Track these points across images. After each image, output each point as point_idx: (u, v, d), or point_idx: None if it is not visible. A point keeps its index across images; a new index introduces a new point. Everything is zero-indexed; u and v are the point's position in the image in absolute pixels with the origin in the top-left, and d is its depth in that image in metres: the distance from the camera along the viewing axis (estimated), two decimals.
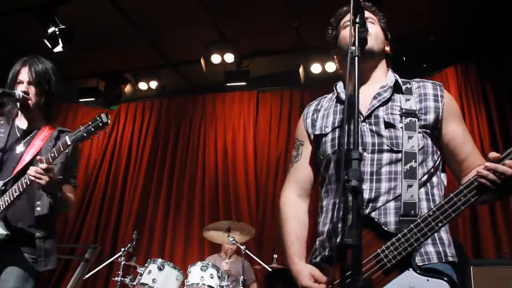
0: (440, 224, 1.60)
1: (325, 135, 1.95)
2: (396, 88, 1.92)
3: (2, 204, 2.50)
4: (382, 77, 1.99)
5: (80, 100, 6.91)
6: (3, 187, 2.57)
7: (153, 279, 4.58)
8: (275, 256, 5.15)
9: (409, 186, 1.74)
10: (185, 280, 4.77)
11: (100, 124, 2.29)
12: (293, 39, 5.97)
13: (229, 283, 4.86)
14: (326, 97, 2.12)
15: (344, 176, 1.44)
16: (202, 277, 4.66)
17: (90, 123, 2.32)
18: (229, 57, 5.96)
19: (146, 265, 4.77)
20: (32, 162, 2.65)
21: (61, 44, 5.06)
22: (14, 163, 2.70)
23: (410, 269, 1.62)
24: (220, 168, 6.76)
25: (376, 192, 1.77)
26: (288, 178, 2.13)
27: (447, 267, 1.75)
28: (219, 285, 4.69)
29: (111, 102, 6.90)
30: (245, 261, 5.53)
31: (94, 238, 6.85)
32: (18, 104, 2.75)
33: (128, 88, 6.66)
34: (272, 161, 6.60)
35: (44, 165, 2.36)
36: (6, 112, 2.84)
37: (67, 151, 2.78)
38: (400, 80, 1.95)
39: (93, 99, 6.82)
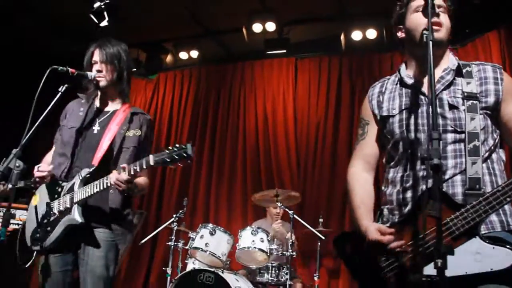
0: (508, 199, 1.78)
1: (393, 116, 2.14)
2: (458, 72, 2.08)
3: (84, 193, 2.73)
4: (445, 60, 2.15)
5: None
6: (87, 175, 2.80)
7: (206, 243, 4.88)
8: (321, 220, 5.45)
9: (473, 163, 1.93)
10: (236, 244, 5.10)
11: (184, 155, 2.38)
12: (334, 5, 6.06)
13: (277, 246, 5.19)
14: (389, 79, 2.29)
15: (424, 154, 1.74)
16: (253, 241, 4.96)
17: (175, 149, 2.41)
18: (271, 26, 6.06)
19: (198, 230, 5.07)
20: (110, 149, 2.89)
21: (106, 19, 5.28)
22: (92, 146, 2.92)
23: (477, 237, 1.81)
24: (260, 135, 7.00)
25: (443, 167, 1.95)
26: (354, 154, 2.35)
27: (509, 235, 1.92)
28: (269, 248, 5.02)
29: (152, 72, 7.15)
30: (288, 225, 5.87)
31: (140, 205, 7.25)
32: (94, 83, 2.97)
33: (169, 58, 6.87)
34: (312, 127, 6.80)
35: (125, 177, 2.59)
36: (87, 93, 3.08)
37: (139, 134, 3.02)
38: (461, 64, 2.10)
39: (134, 69, 7.07)
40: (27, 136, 2.72)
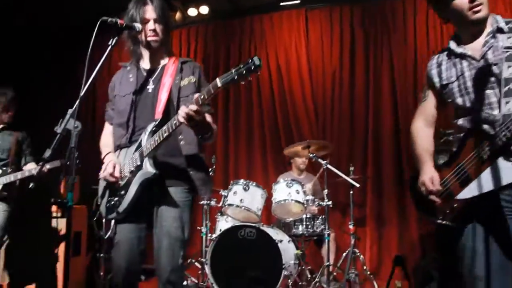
0: None
1: (452, 83, 2.35)
2: (499, 30, 2.23)
3: (152, 144, 2.52)
4: (489, 23, 2.28)
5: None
6: (154, 128, 2.60)
7: (241, 199, 4.74)
8: (352, 168, 5.32)
9: (507, 102, 2.13)
10: (272, 198, 4.97)
11: (252, 67, 2.13)
12: None
13: (312, 197, 5.07)
14: (443, 52, 2.44)
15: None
16: (289, 193, 4.83)
17: (241, 65, 2.17)
18: None
19: (230, 187, 4.90)
20: (170, 101, 2.70)
21: None
22: (150, 103, 2.74)
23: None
24: (275, 88, 6.74)
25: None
26: (417, 113, 2.62)
27: None
28: (305, 200, 4.90)
29: None
30: (313, 176, 5.76)
31: None
32: (143, 41, 2.76)
33: (177, 16, 6.52)
34: (327, 77, 6.56)
35: (194, 107, 2.32)
36: (132, 54, 2.85)
37: (194, 80, 2.83)
38: (502, 23, 2.24)
39: None
40: (83, 93, 2.50)
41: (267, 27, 6.94)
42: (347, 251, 5.11)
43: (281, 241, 4.51)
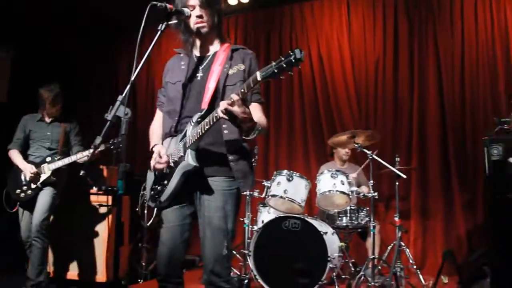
0: None
1: None
2: None
3: (195, 135, 2.45)
4: None
5: (169, 22, 6.74)
6: (199, 119, 2.51)
7: (284, 190, 4.63)
8: (398, 159, 5.13)
9: None
10: (316, 189, 4.85)
11: (293, 61, 2.00)
12: None
13: (357, 188, 4.92)
14: None
15: None
16: (334, 184, 4.69)
17: (282, 58, 2.04)
18: None
19: (273, 177, 4.81)
20: (217, 90, 2.59)
21: None
22: (198, 92, 2.65)
23: None
24: (317, 77, 6.56)
25: None
26: None
27: None
28: (350, 191, 4.76)
29: None
30: (356, 167, 5.60)
31: None
32: (192, 28, 2.66)
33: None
34: (370, 66, 6.35)
35: (233, 99, 2.21)
36: (184, 42, 2.76)
37: (243, 68, 2.70)
38: None
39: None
40: (133, 79, 2.44)
41: (308, 16, 6.77)
42: (392, 244, 4.95)
43: (326, 233, 4.39)
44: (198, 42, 2.77)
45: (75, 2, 6.58)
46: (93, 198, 5.23)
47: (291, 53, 2.01)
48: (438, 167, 5.91)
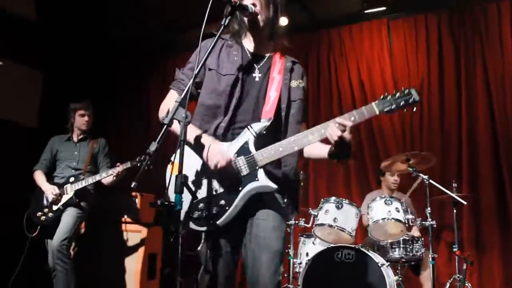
0: None
1: None
2: None
3: (273, 154, 2.14)
4: None
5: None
6: (265, 132, 2.19)
7: (334, 219, 4.22)
8: (455, 185, 4.69)
9: None
10: (368, 217, 4.41)
11: (410, 102, 2.04)
12: None
13: (413, 216, 4.45)
14: None
15: None
16: (389, 211, 4.25)
17: (401, 95, 2.06)
18: None
19: (321, 205, 4.41)
20: (281, 102, 2.28)
21: None
22: (256, 96, 2.30)
23: None
24: (357, 102, 6.17)
25: None
26: None
27: None
28: (405, 219, 4.30)
29: None
30: (403, 195, 5.14)
31: None
32: (247, 22, 2.31)
33: None
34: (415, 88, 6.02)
35: (349, 123, 2.05)
36: (234, 31, 2.41)
37: (303, 85, 2.41)
38: None
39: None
40: (192, 80, 2.09)
41: (347, 40, 6.46)
42: (452, 278, 4.44)
43: (383, 264, 3.92)
44: (249, 36, 2.41)
45: (108, 25, 6.44)
46: (123, 226, 4.88)
47: (408, 93, 2.04)
48: (493, 194, 5.43)
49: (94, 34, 6.67)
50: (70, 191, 4.35)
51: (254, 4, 2.26)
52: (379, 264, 3.88)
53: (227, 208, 2.16)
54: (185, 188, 2.23)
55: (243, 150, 2.18)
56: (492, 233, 5.38)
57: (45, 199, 4.40)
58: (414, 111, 2.09)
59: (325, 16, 6.45)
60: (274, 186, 2.13)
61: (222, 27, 2.19)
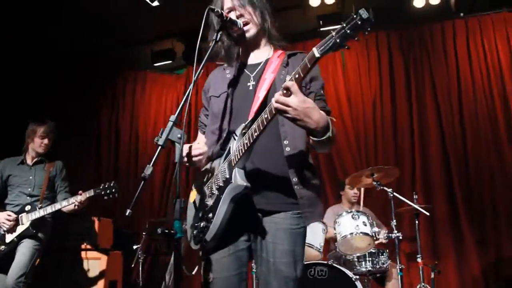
0: None
1: None
2: None
3: (241, 149, 1.91)
4: None
5: (155, 64, 6.36)
6: (244, 130, 1.98)
7: None
8: (416, 196, 4.76)
9: None
10: (336, 233, 4.38)
11: (359, 23, 1.56)
12: None
13: (378, 229, 4.47)
14: None
15: None
16: (356, 226, 4.24)
17: (344, 25, 1.58)
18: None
19: None
20: (268, 99, 2.04)
21: None
22: (249, 103, 2.11)
23: None
24: None
25: None
26: None
27: None
28: (373, 232, 4.31)
29: (191, 62, 6.34)
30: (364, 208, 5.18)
31: None
32: (236, 37, 2.20)
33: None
34: (367, 106, 6.10)
35: (289, 82, 1.70)
36: (225, 55, 2.28)
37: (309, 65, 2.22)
38: None
39: (170, 61, 6.27)
40: (187, 96, 1.96)
41: None
42: (418, 287, 4.49)
43: (356, 279, 3.90)
44: (245, 49, 2.30)
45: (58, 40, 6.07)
46: (83, 254, 4.57)
47: (355, 15, 1.56)
48: (445, 205, 5.60)
49: (38, 46, 6.26)
50: (26, 221, 3.95)
51: (241, 15, 2.16)
52: (353, 279, 3.84)
53: (212, 220, 1.96)
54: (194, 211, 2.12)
55: (227, 154, 2.04)
56: (446, 241, 5.53)
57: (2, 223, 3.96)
58: (368, 31, 1.58)
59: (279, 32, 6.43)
60: (244, 183, 1.89)
61: (213, 42, 2.08)
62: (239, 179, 1.92)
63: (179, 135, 1.87)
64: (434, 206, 5.59)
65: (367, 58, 6.24)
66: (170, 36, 6.11)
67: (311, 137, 1.91)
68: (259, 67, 2.23)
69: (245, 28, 2.17)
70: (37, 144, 4.21)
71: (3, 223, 3.92)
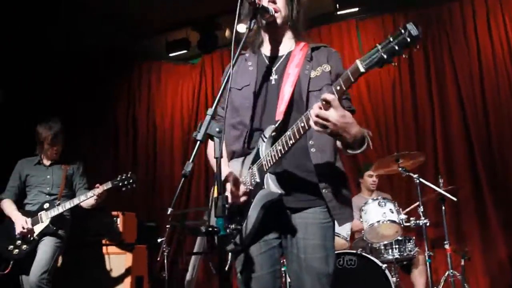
0: None
1: None
2: None
3: (274, 155, 1.87)
4: None
5: (170, 54, 6.28)
6: (273, 133, 1.94)
7: None
8: (441, 180, 4.67)
9: None
10: (362, 221, 4.31)
11: (408, 40, 1.49)
12: None
13: (406, 216, 4.39)
14: None
15: None
16: (384, 213, 4.17)
17: (390, 39, 1.52)
18: None
19: None
20: (295, 97, 2.03)
21: None
22: (273, 98, 2.07)
23: None
24: None
25: None
26: None
27: None
28: (400, 219, 4.23)
29: (207, 51, 6.24)
30: (385, 194, 5.10)
31: None
32: (266, 25, 2.12)
33: (228, 33, 5.93)
34: (386, 89, 6.00)
35: (330, 96, 1.63)
36: (249, 42, 2.22)
37: (328, 69, 2.07)
38: None
39: (185, 51, 6.19)
40: (222, 90, 1.89)
41: (316, 41, 6.36)
42: (446, 274, 4.42)
43: (386, 267, 3.83)
44: (267, 38, 2.22)
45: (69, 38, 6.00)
46: (105, 249, 4.53)
47: (403, 31, 1.50)
48: (469, 188, 5.49)
49: (51, 43, 6.19)
50: (45, 218, 3.90)
51: (273, 1, 2.09)
52: (383, 268, 3.78)
53: (242, 224, 1.96)
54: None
55: (257, 158, 1.99)
56: (471, 225, 5.45)
57: (17, 229, 3.91)
58: (417, 48, 1.53)
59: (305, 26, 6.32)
60: (279, 191, 1.86)
61: (247, 31, 2.03)
62: (272, 185, 1.89)
63: (217, 129, 1.79)
64: (458, 191, 5.53)
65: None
66: (184, 25, 6.00)
67: (343, 148, 1.87)
68: (281, 60, 2.17)
69: (276, 15, 2.09)
70: (49, 152, 4.13)
71: (18, 227, 3.87)
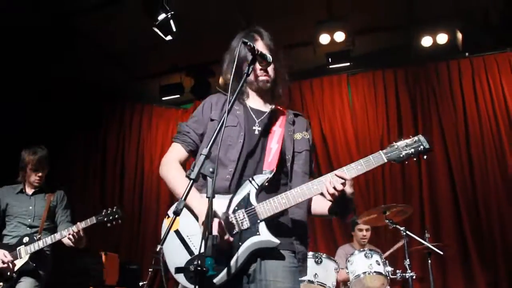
0: None
1: None
2: None
3: (277, 206, 2.01)
4: None
5: (163, 98, 6.34)
6: (267, 184, 2.07)
7: (314, 274, 4.05)
8: (427, 235, 4.66)
9: None
10: (348, 272, 4.27)
11: (420, 149, 2.05)
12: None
13: (392, 268, 4.35)
14: None
15: None
16: (370, 264, 4.15)
17: (409, 143, 2.08)
18: (340, 36, 5.35)
19: None
20: (283, 154, 2.19)
21: (173, 30, 4.48)
22: (258, 148, 2.19)
23: None
24: (320, 157, 6.21)
25: None
26: None
27: None
28: (386, 271, 4.20)
29: (199, 97, 6.31)
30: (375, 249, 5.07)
31: None
32: (252, 81, 2.28)
33: (221, 81, 6.00)
34: (374, 143, 6.09)
35: (349, 176, 1.99)
36: (233, 89, 2.29)
37: (308, 137, 2.34)
38: None
39: (177, 96, 6.26)
40: (218, 130, 1.91)
41: (308, 95, 6.52)
42: None
43: None
44: (253, 95, 2.36)
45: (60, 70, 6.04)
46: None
47: (419, 142, 2.04)
48: (455, 246, 5.48)
49: (48, 76, 6.23)
50: (24, 254, 3.64)
51: (264, 69, 2.25)
52: None
53: (223, 265, 1.95)
54: (181, 243, 2.07)
55: (244, 203, 2.04)
56: (457, 282, 5.40)
57: None
58: (425, 158, 2.07)
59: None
60: (276, 241, 1.96)
61: (245, 76, 2.09)
62: (268, 234, 1.98)
63: (211, 169, 1.82)
64: (444, 247, 5.52)
65: (374, 95, 6.28)
66: (179, 70, 6.12)
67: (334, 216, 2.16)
68: (264, 115, 2.30)
69: (264, 78, 2.27)
70: (31, 177, 3.95)
71: None
